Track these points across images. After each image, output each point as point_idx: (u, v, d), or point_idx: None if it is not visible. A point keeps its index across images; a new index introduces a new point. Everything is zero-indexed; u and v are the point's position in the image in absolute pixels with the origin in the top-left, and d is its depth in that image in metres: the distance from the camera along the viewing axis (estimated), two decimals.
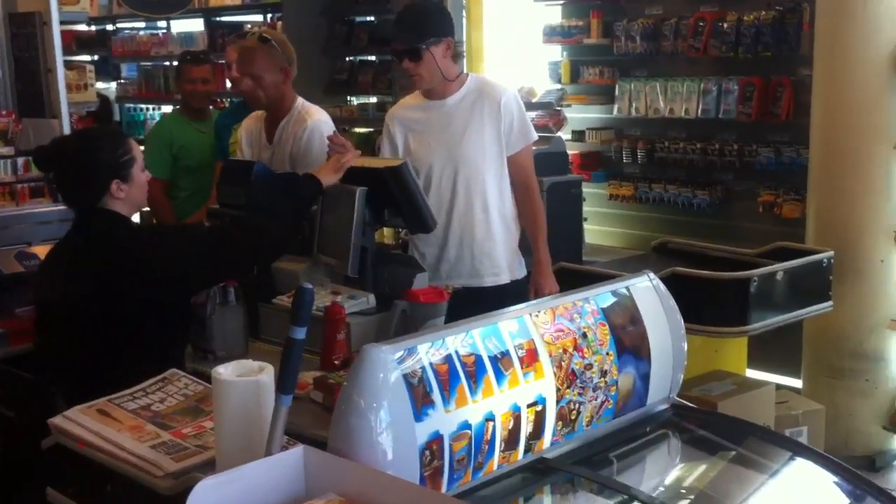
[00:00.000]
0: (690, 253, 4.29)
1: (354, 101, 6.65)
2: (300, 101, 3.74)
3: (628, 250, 4.97)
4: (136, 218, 2.95)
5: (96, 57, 9.37)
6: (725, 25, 4.87)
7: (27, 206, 3.36)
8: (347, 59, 6.74)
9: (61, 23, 5.45)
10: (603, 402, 2.07)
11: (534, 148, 3.58)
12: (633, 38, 5.29)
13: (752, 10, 4.80)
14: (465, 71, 3.63)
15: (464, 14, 5.96)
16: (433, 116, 3.39)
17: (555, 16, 5.75)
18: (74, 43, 9.32)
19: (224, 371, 1.93)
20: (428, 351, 1.79)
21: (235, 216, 2.97)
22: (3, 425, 2.63)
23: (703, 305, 3.56)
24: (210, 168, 4.41)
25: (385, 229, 4.82)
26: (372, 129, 6.27)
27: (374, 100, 6.59)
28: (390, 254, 3.29)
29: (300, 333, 1.67)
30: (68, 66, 5.65)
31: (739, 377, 3.97)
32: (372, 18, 6.64)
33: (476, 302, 3.17)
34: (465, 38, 5.87)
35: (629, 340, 2.15)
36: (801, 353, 4.56)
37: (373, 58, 6.62)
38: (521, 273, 3.51)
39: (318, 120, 3.65)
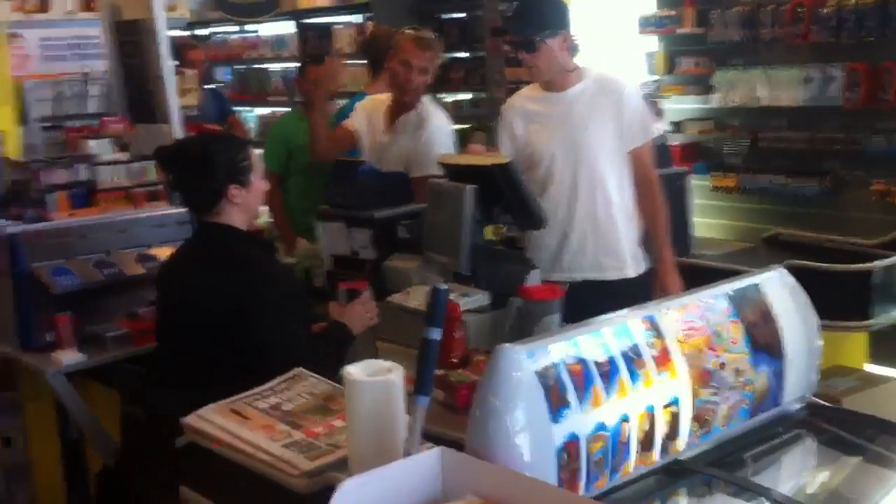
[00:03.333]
0: (804, 244, 4.17)
1: (447, 98, 6.64)
2: (426, 99, 3.85)
3: (736, 242, 4.84)
4: None
5: None
6: (826, 11, 4.72)
7: (144, 210, 3.43)
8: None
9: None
10: (738, 402, 2.02)
11: None
12: (728, 26, 5.17)
13: None
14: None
15: None
16: (553, 108, 3.37)
17: (649, 6, 5.66)
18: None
19: (355, 371, 1.93)
20: (561, 351, 1.76)
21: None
22: (133, 424, 2.69)
23: (822, 299, 3.44)
24: (325, 166, 4.46)
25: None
26: (466, 126, 6.26)
27: (467, 96, 6.58)
28: (501, 251, 3.27)
29: (436, 334, 1.66)
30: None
31: (861, 372, 3.85)
32: (463, 15, 6.63)
33: (600, 295, 3.20)
34: None
35: (763, 338, 2.09)
36: None
37: (465, 54, 6.60)
38: (643, 268, 3.44)
39: (438, 124, 3.78)
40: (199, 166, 2.62)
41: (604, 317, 1.90)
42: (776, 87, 5.03)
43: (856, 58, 4.71)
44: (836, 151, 4.86)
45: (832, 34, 4.69)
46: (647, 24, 5.61)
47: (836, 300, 3.52)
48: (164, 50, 3.81)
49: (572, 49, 3.35)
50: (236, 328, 2.51)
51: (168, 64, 3.80)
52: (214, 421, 2.07)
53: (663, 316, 1.96)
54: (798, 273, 3.58)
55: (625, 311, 1.95)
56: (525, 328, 2.72)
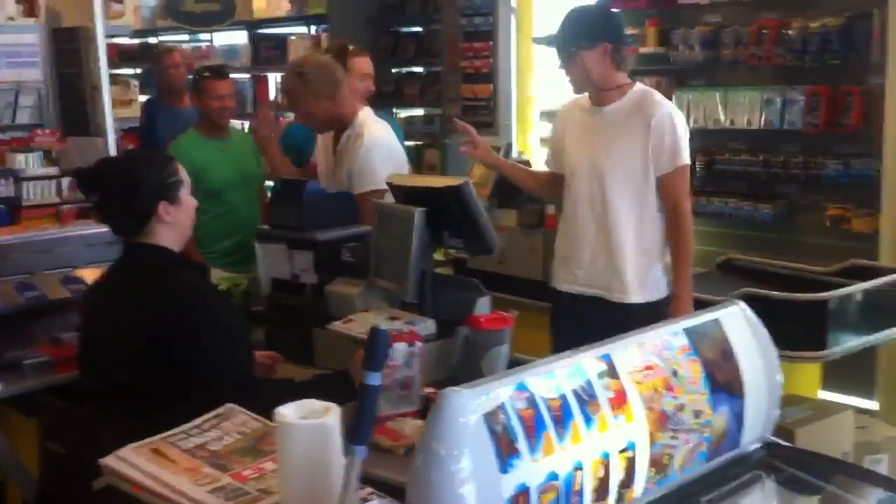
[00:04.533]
0: (758, 271, 4.12)
1: (401, 113, 6.53)
2: (362, 114, 3.70)
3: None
4: None
5: (139, 70, 9.35)
6: (791, 32, 4.68)
7: (73, 229, 3.25)
8: (394, 70, 6.63)
9: (106, 36, 5.40)
10: (696, 446, 1.91)
11: None
12: (691, 46, 5.12)
13: (818, 17, 4.60)
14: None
15: (512, 24, 5.83)
16: (589, 121, 3.37)
17: None
18: (117, 56, 9.32)
19: (287, 412, 1.80)
20: (511, 394, 1.64)
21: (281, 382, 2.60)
22: (52, 461, 2.51)
23: (777, 328, 3.36)
24: (234, 189, 4.32)
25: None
26: (420, 143, 6.16)
27: (420, 112, 6.47)
28: (450, 277, 3.15)
29: (375, 379, 1.53)
30: (112, 80, 5.60)
31: (815, 401, 3.79)
32: (419, 29, 6.54)
33: (603, 314, 3.29)
34: (514, 49, 5.74)
35: (722, 377, 1.99)
36: (876, 372, 4.35)
37: (420, 69, 6.50)
38: (657, 296, 3.36)
39: (373, 136, 3.59)
40: (124, 186, 2.47)
41: (556, 357, 1.78)
42: (736, 110, 4.97)
43: (817, 81, 4.66)
44: (793, 175, 4.80)
45: (796, 56, 4.64)
46: (622, 39, 5.53)
47: (792, 329, 3.44)
48: (103, 59, 3.64)
49: (619, 63, 3.30)
50: (169, 354, 2.36)
51: (105, 74, 3.63)
52: (134, 462, 1.93)
53: (619, 354, 1.84)
54: (753, 302, 3.53)
55: (579, 350, 1.83)
56: (473, 359, 2.61)
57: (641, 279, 3.33)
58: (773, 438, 2.18)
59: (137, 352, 2.39)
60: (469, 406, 1.56)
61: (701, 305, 3.36)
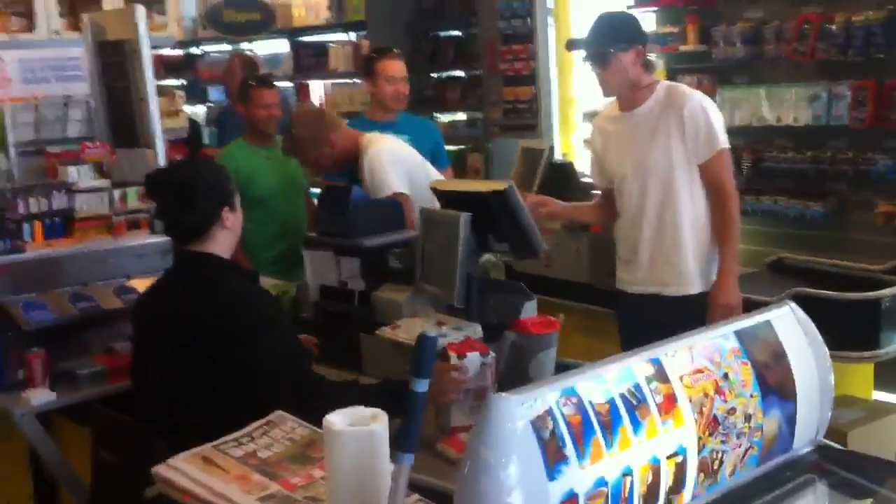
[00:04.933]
0: (809, 270, 4.06)
1: (443, 117, 6.52)
2: (364, 139, 3.81)
3: (740, 266, 4.71)
4: None
5: (184, 81, 9.48)
6: (833, 27, 4.60)
7: (124, 240, 3.30)
8: (434, 75, 6.63)
9: (152, 48, 5.48)
10: (747, 450, 1.88)
11: None
12: (732, 42, 5.05)
13: (861, 10, 4.51)
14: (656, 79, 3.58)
15: (550, 22, 5.80)
16: (623, 127, 3.45)
17: (649, 22, 5.54)
18: (162, 67, 9.45)
19: (335, 419, 1.81)
20: (558, 399, 1.63)
21: (345, 384, 2.57)
22: (105, 470, 2.55)
23: (829, 328, 3.30)
24: (280, 196, 4.36)
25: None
26: (462, 147, 6.15)
27: (462, 116, 6.46)
28: (496, 281, 3.14)
29: (422, 386, 1.53)
30: (158, 92, 5.68)
31: (867, 402, 3.72)
32: (459, 33, 6.53)
33: (665, 310, 3.36)
34: (553, 47, 5.72)
35: (773, 379, 1.96)
36: None
37: (460, 73, 6.49)
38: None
39: (375, 149, 3.73)
40: (193, 191, 2.52)
41: (606, 360, 1.77)
42: (781, 106, 4.90)
43: (863, 76, 4.58)
44: (841, 172, 4.72)
45: (840, 51, 4.56)
46: (650, 40, 5.49)
47: (844, 329, 3.41)
48: (149, 71, 3.69)
49: (647, 65, 3.42)
50: (227, 358, 2.38)
51: (152, 86, 3.68)
52: (185, 471, 1.94)
53: (669, 358, 1.83)
54: (804, 301, 3.48)
55: (628, 354, 1.82)
56: (520, 364, 2.60)
57: (700, 269, 3.40)
58: (825, 441, 2.14)
59: (193, 359, 2.41)
60: (516, 412, 1.56)
61: (751, 306, 3.33)
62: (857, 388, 3.78)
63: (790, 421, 1.99)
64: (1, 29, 4.54)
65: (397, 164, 3.72)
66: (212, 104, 9.13)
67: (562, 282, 4.32)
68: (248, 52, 7.35)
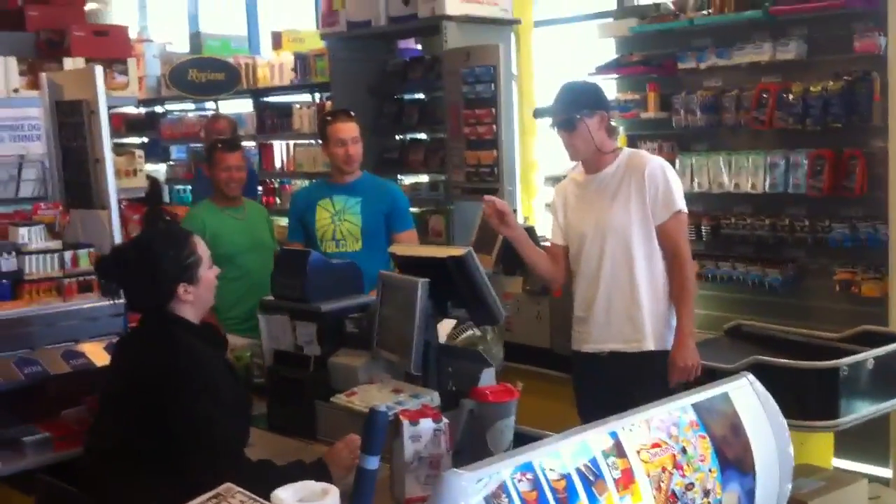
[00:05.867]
0: (767, 337, 4.06)
1: (406, 180, 6.52)
2: None
3: (699, 332, 4.70)
4: None
5: (146, 139, 9.42)
6: (791, 97, 4.68)
7: (75, 302, 3.22)
8: (398, 137, 6.65)
9: (110, 107, 5.46)
10: None
11: None
12: (692, 110, 5.13)
13: (818, 81, 4.61)
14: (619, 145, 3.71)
15: (514, 89, 5.86)
16: (587, 189, 3.54)
17: (610, 90, 5.62)
18: (124, 126, 9.40)
19: (284, 496, 1.76)
20: (513, 475, 1.59)
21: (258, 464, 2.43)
22: None
23: (788, 397, 3.29)
24: (248, 254, 4.35)
25: None
26: (424, 209, 6.13)
27: (425, 178, 6.46)
28: (455, 348, 3.10)
29: (373, 463, 1.48)
30: (118, 151, 5.63)
31: (828, 472, 3.69)
32: (422, 96, 6.56)
33: (622, 368, 3.42)
34: (516, 111, 5.76)
35: (732, 453, 1.94)
36: (890, 440, 4.27)
37: (423, 136, 6.51)
38: (672, 343, 3.46)
39: None
40: (145, 272, 2.47)
41: (561, 435, 1.73)
42: (740, 173, 4.96)
43: (821, 145, 4.66)
44: (800, 239, 4.77)
45: (797, 120, 4.64)
46: (613, 108, 5.55)
47: (803, 398, 3.40)
48: (106, 132, 3.64)
49: (611, 130, 3.56)
50: (164, 416, 2.32)
51: (108, 146, 3.63)
52: None
53: (626, 432, 1.80)
54: (763, 370, 3.49)
55: (583, 427, 1.79)
56: (478, 432, 2.55)
57: (656, 326, 3.45)
58: None
59: (136, 413, 2.37)
60: (469, 489, 1.52)
61: (709, 374, 3.32)
62: (817, 457, 3.76)
63: (749, 495, 1.96)
64: None
65: None
66: (173, 163, 9.08)
67: (522, 346, 4.29)
68: (224, 115, 7.34)
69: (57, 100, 3.91)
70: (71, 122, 3.75)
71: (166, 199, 8.93)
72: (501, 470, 1.59)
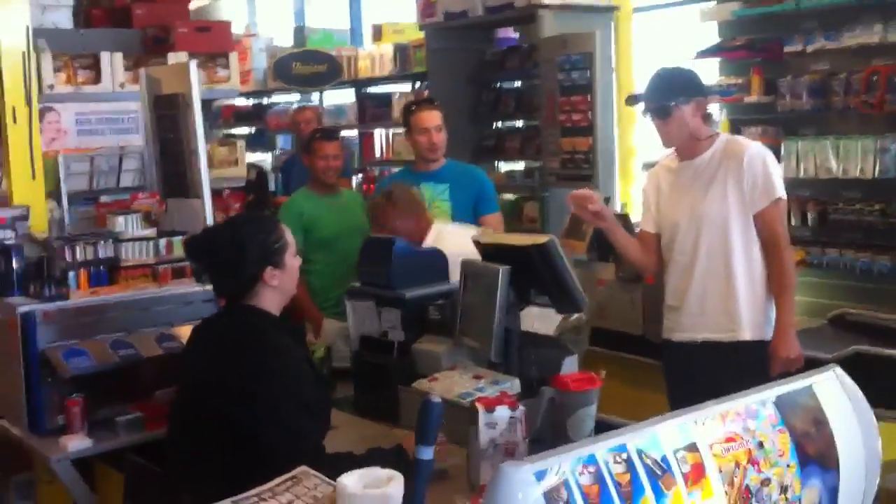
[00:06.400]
0: (872, 325, 3.90)
1: (502, 167, 6.50)
2: (432, 233, 3.83)
3: (803, 318, 4.53)
4: None
5: (252, 129, 9.67)
6: None
7: (169, 287, 3.31)
8: (494, 124, 6.63)
9: (212, 100, 5.61)
10: None
11: None
12: (798, 94, 4.93)
13: None
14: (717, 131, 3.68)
15: (613, 73, 5.75)
16: (681, 177, 3.46)
17: (712, 73, 5.46)
18: (232, 117, 9.67)
19: (350, 482, 1.76)
20: (575, 468, 1.55)
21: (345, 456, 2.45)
22: None
23: (889, 387, 3.17)
24: (345, 238, 4.37)
25: None
26: (519, 196, 6.10)
27: (521, 166, 6.43)
28: (538, 335, 3.07)
29: (427, 453, 1.47)
30: (221, 142, 5.80)
31: None
32: (518, 84, 6.53)
33: (715, 358, 3.33)
34: (615, 98, 5.66)
35: (814, 449, 1.85)
36: None
37: (520, 123, 6.47)
38: (769, 335, 3.36)
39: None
40: (233, 253, 2.49)
41: (628, 428, 1.68)
42: (849, 158, 4.76)
43: None
44: None
45: None
46: (710, 93, 5.39)
47: None
48: (199, 124, 3.74)
49: (707, 117, 3.53)
50: (245, 416, 2.35)
51: (202, 139, 3.72)
52: None
53: (699, 426, 1.73)
54: (866, 360, 3.35)
55: (654, 420, 1.73)
56: (558, 420, 2.52)
57: (753, 316, 3.36)
58: None
59: (217, 410, 2.40)
60: (528, 483, 1.49)
61: (809, 364, 3.20)
62: None
63: (832, 492, 1.87)
64: (66, 81, 4.68)
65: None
66: (279, 152, 9.27)
67: (614, 333, 4.23)
68: (311, 106, 7.50)
69: (156, 94, 4.03)
70: (168, 114, 3.87)
71: (272, 188, 9.14)
72: (563, 462, 1.55)
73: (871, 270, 4.69)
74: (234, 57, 5.35)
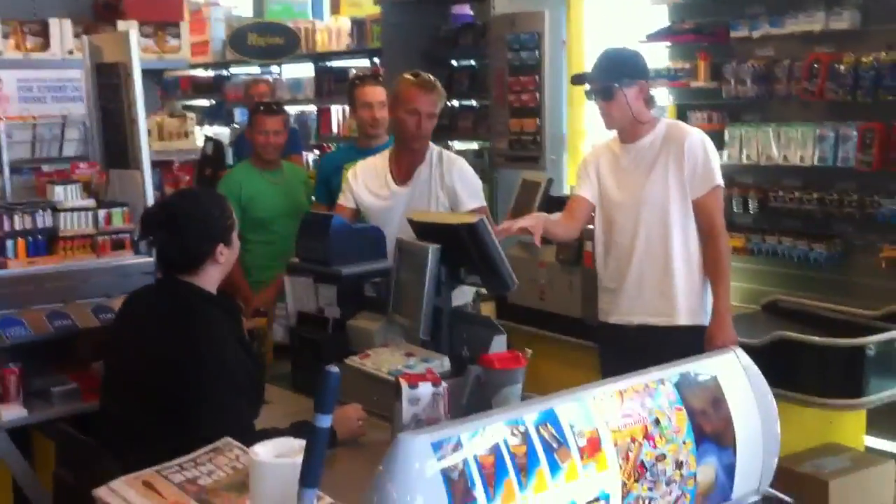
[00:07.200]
0: (803, 312, 3.99)
1: (455, 145, 6.54)
2: (433, 146, 3.82)
3: (738, 306, 4.65)
4: None
5: (212, 101, 9.61)
6: (842, 68, 4.55)
7: (108, 259, 3.33)
8: (448, 103, 6.65)
9: (162, 70, 5.57)
10: (678, 498, 1.86)
11: None
12: (743, 80, 5.01)
13: (870, 52, 4.47)
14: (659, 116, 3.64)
15: (564, 55, 5.80)
16: (623, 159, 3.49)
17: (661, 58, 5.53)
18: (191, 88, 9.61)
19: (261, 451, 1.82)
20: (472, 440, 1.62)
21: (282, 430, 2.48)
22: (62, 487, 2.57)
23: (813, 374, 3.28)
24: (282, 219, 4.38)
25: None
26: None
27: (474, 145, 6.47)
28: (468, 314, 3.13)
29: (325, 421, 1.53)
30: (172, 114, 5.77)
31: (856, 452, 3.64)
32: (472, 62, 6.55)
33: (650, 341, 3.33)
34: (565, 79, 5.71)
35: (710, 427, 1.94)
36: None
37: (473, 102, 6.51)
38: (705, 321, 3.42)
39: (461, 160, 3.85)
40: (194, 230, 2.50)
41: (526, 402, 1.76)
42: (790, 146, 4.84)
43: (871, 118, 4.52)
44: (848, 214, 4.64)
45: (848, 92, 4.51)
46: (659, 77, 5.47)
47: (828, 376, 3.35)
48: (139, 94, 3.72)
49: (649, 100, 3.49)
50: (174, 390, 2.39)
51: (142, 109, 3.71)
52: (123, 494, 1.97)
53: (597, 401, 1.81)
54: (790, 346, 3.44)
55: (553, 395, 1.81)
56: (484, 398, 2.59)
57: (689, 301, 3.40)
58: (771, 491, 2.10)
59: (148, 383, 2.43)
60: (424, 451, 1.56)
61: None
62: (847, 435, 3.71)
63: (728, 470, 1.96)
64: (15, 47, 4.64)
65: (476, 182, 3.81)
66: (237, 125, 9.24)
67: (555, 315, 4.30)
68: (264, 78, 7.46)
69: (98, 62, 4.00)
70: (110, 84, 3.85)
71: (229, 161, 9.10)
72: (460, 433, 1.62)
73: (807, 258, 4.80)
74: (185, 27, 5.32)
